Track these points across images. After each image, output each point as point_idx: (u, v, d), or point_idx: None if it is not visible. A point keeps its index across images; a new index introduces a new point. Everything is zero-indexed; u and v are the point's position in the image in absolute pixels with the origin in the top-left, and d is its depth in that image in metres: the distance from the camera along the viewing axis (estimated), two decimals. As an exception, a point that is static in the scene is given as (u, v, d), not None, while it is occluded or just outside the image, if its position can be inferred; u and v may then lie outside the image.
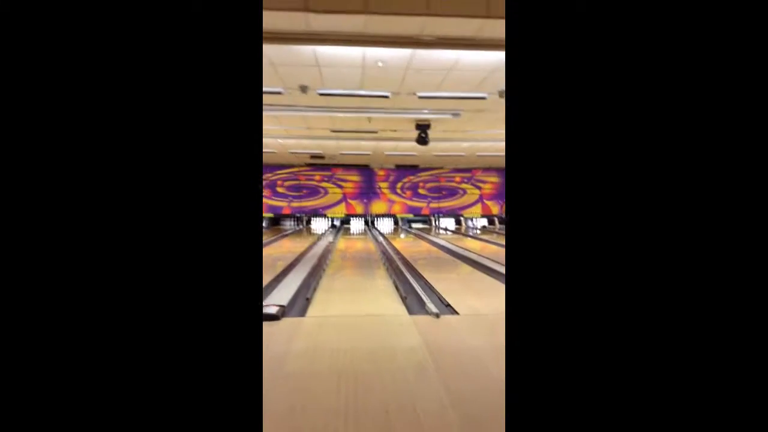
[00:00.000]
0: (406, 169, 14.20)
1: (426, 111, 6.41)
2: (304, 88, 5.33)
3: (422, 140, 7.35)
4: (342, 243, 9.22)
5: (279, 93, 5.48)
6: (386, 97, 5.63)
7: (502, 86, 5.30)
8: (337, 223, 14.10)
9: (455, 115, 6.48)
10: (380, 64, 4.46)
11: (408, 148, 10.07)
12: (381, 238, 9.96)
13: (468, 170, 14.42)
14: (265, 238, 9.51)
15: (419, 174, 14.37)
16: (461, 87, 5.31)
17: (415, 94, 5.57)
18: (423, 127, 7.27)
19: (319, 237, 10.27)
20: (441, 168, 14.27)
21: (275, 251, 7.59)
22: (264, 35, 3.72)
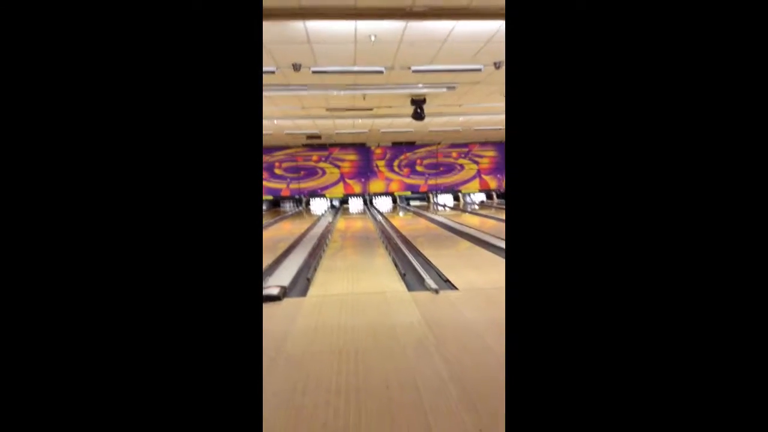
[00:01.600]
0: (403, 146, 14.09)
1: (420, 85, 6.30)
2: (296, 66, 5.22)
3: (418, 115, 7.26)
4: (341, 223, 9.22)
5: (271, 72, 5.38)
6: (381, 72, 5.53)
7: (498, 57, 5.20)
8: (336, 203, 14.07)
9: (450, 88, 6.38)
10: (373, 38, 4.36)
11: (404, 124, 9.97)
12: (380, 217, 9.96)
13: (465, 145, 14.31)
14: (265, 220, 9.50)
15: (416, 151, 14.27)
16: (456, 59, 5.21)
17: (409, 68, 5.47)
18: (418, 103, 7.17)
19: (319, 218, 10.26)
20: (438, 144, 14.16)
21: (276, 233, 7.59)
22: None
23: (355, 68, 5.41)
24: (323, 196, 14.27)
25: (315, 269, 4.25)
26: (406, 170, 14.38)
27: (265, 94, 6.39)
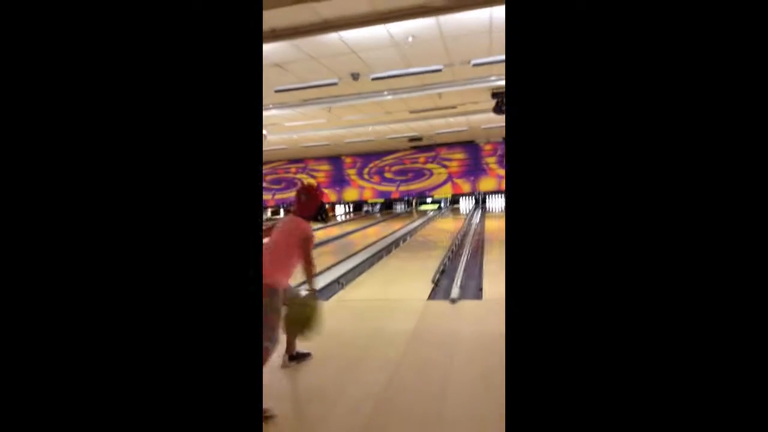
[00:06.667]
0: (514, 140, 13.32)
1: (493, 78, 5.95)
2: (355, 76, 5.40)
3: (499, 109, 6.86)
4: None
5: (334, 84, 5.64)
6: (439, 70, 5.39)
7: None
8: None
9: (526, 77, 5.89)
10: (410, 38, 4.29)
11: (500, 119, 9.45)
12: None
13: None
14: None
15: (529, 145, 13.36)
16: (515, 47, 4.81)
17: (469, 62, 5.23)
18: (500, 96, 6.77)
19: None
20: (554, 135, 13.05)
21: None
22: (276, 32, 3.89)
23: (413, 69, 5.37)
24: (431, 197, 14.28)
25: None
26: (518, 166, 13.56)
27: (343, 103, 6.72)
